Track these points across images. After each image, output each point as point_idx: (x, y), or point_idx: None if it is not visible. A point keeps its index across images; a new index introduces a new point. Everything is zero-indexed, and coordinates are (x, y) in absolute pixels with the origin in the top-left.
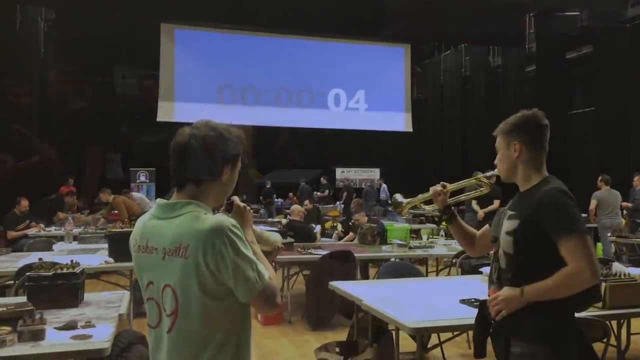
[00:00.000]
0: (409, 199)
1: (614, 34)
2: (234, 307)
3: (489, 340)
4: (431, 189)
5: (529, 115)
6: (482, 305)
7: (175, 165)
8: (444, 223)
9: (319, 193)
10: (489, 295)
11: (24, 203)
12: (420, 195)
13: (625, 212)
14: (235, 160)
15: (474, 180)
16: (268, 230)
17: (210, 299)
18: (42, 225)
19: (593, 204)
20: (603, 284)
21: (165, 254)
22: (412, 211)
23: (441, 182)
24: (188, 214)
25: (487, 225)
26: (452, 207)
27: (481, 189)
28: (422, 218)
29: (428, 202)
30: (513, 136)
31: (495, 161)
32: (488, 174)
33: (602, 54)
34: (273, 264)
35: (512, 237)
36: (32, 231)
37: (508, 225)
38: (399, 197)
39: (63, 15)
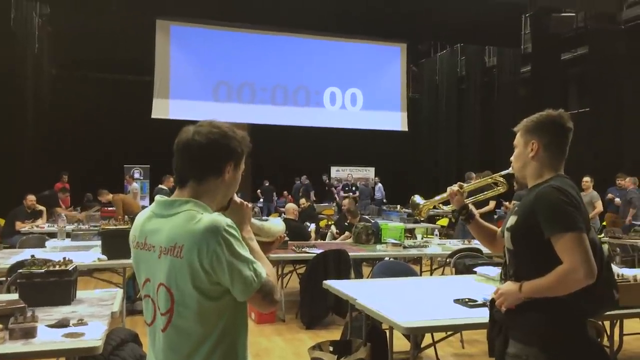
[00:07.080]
0: (427, 201)
1: (610, 35)
2: (230, 307)
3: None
4: (448, 189)
5: (554, 115)
6: (491, 304)
7: (177, 163)
8: (442, 222)
9: (351, 194)
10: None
11: (30, 198)
12: (438, 196)
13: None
14: (238, 159)
15: (489, 180)
16: (271, 219)
17: (205, 298)
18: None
19: (600, 205)
20: None
21: (161, 252)
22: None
23: (458, 183)
24: (185, 213)
25: None
26: (470, 207)
27: (498, 187)
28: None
29: (445, 202)
30: (532, 135)
31: (512, 158)
32: (503, 172)
33: (598, 55)
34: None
35: (510, 232)
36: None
37: (510, 221)
38: (417, 198)
39: (58, 10)
